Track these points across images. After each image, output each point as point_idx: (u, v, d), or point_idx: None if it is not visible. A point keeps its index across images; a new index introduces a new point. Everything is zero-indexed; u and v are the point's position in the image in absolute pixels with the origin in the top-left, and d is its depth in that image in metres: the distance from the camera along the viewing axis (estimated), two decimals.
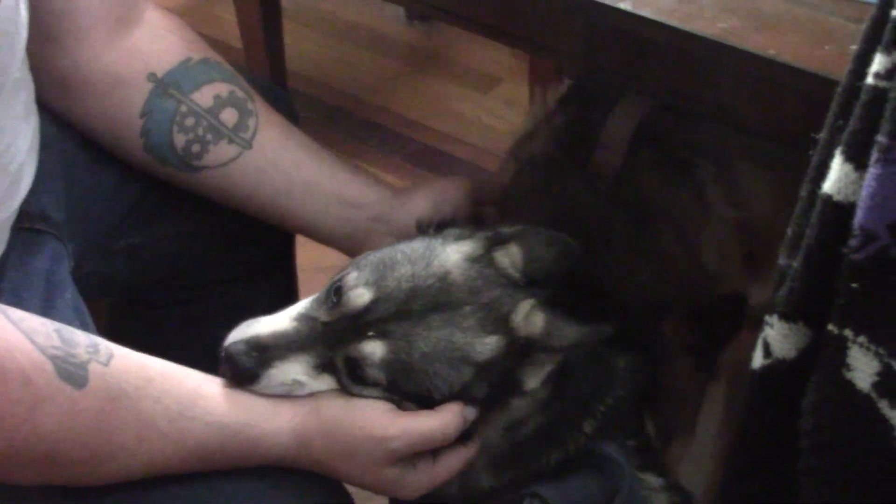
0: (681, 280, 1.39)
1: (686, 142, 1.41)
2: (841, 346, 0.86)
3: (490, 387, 1.12)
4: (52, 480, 1.00)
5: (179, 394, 1.04)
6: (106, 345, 1.02)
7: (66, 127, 1.32)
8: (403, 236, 1.24)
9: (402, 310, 1.10)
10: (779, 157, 1.42)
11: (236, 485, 1.08)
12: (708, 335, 1.36)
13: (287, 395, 1.09)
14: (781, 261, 0.94)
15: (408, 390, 1.10)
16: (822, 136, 0.92)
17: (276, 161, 1.35)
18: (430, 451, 1.12)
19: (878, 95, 0.83)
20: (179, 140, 1.31)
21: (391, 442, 1.08)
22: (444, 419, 1.10)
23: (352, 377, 1.10)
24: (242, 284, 1.53)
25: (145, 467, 1.02)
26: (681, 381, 1.37)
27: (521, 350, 1.12)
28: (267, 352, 1.09)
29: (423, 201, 1.36)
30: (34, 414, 0.94)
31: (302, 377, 1.10)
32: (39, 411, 0.94)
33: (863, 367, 0.85)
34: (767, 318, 0.95)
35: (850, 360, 0.85)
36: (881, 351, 0.84)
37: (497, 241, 1.18)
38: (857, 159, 0.85)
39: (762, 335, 0.96)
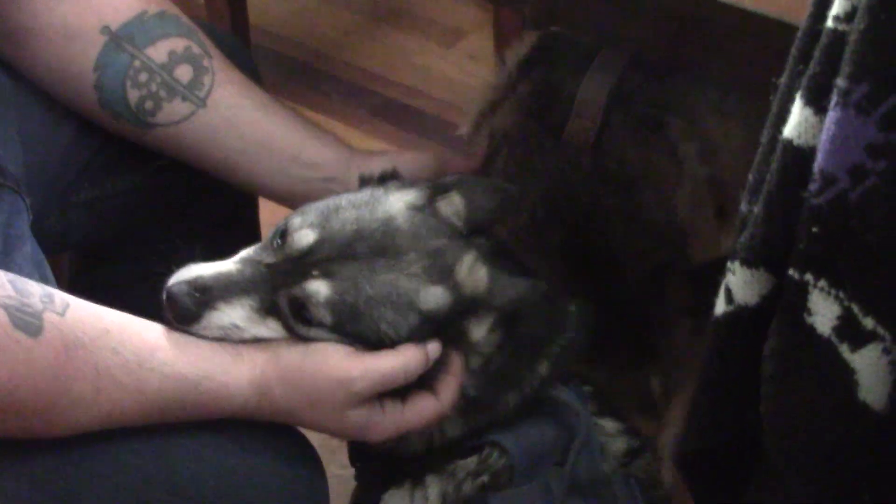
0: (666, 242, 1.39)
1: (654, 101, 1.40)
2: (802, 291, 0.86)
3: (437, 335, 1.12)
4: (7, 431, 0.99)
5: (137, 345, 1.03)
6: (61, 296, 1.01)
7: (22, 79, 1.30)
8: None
9: (346, 252, 1.11)
10: (747, 111, 1.42)
11: (200, 440, 1.07)
12: (705, 297, 1.37)
13: (226, 338, 1.09)
14: (743, 207, 0.94)
15: (354, 332, 1.10)
16: (783, 80, 0.91)
17: (231, 120, 1.34)
18: (399, 396, 1.13)
19: (838, 38, 0.82)
20: (133, 95, 1.30)
21: (353, 383, 1.08)
22: (405, 358, 1.10)
23: (297, 318, 1.10)
24: (204, 241, 1.51)
25: (104, 418, 1.01)
26: (681, 343, 1.37)
27: (466, 305, 1.13)
28: (209, 293, 1.09)
29: (381, 165, 1.34)
30: None
31: (242, 321, 1.10)
32: None
33: (823, 312, 0.85)
34: (729, 264, 0.95)
35: (810, 305, 0.85)
36: (841, 295, 0.84)
37: (439, 191, 1.19)
38: (817, 103, 0.85)
39: (724, 282, 0.97)
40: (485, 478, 1.18)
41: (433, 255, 1.13)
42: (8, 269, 1.02)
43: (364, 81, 2.81)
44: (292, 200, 1.36)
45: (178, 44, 1.31)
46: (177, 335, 1.07)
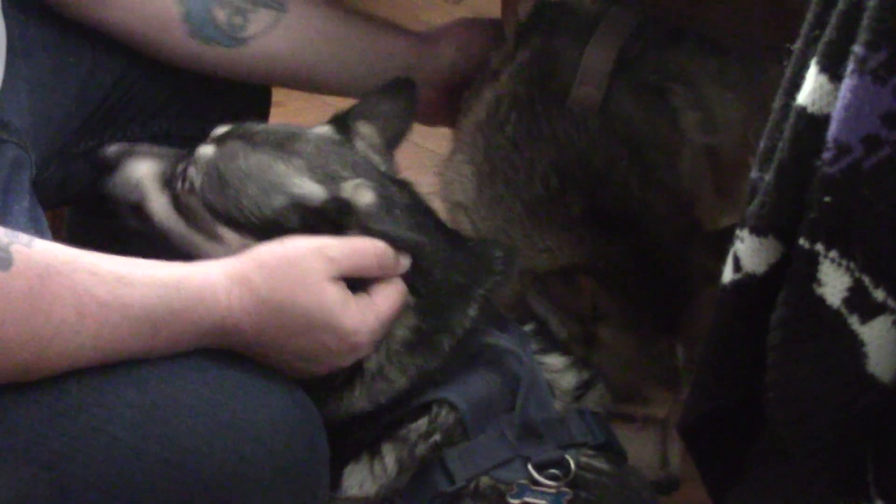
0: (683, 206, 1.39)
1: (657, 68, 1.39)
2: (812, 261, 0.85)
3: (303, 226, 1.16)
4: (7, 372, 0.98)
5: (112, 265, 1.03)
6: (27, 235, 1.00)
7: (29, 28, 1.30)
8: (435, 80, 1.43)
9: (249, 136, 1.21)
10: (749, 82, 1.40)
11: (193, 392, 1.07)
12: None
13: (131, 198, 1.23)
14: (753, 174, 0.93)
15: (217, 203, 1.18)
16: (797, 46, 0.90)
17: (310, 20, 1.42)
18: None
19: (855, 4, 0.81)
20: (220, 15, 1.37)
21: (328, 249, 1.11)
22: (373, 242, 1.14)
23: (182, 179, 1.21)
24: None
25: (96, 344, 1.00)
26: (706, 310, 1.37)
27: (342, 210, 1.16)
28: (133, 152, 1.26)
29: (449, 48, 1.46)
30: None
31: (147, 180, 1.23)
32: None
33: (833, 283, 0.84)
34: (738, 231, 0.94)
35: (820, 275, 0.84)
36: (852, 266, 0.83)
37: (346, 123, 1.27)
38: (833, 70, 0.83)
39: (732, 249, 0.96)
40: (437, 437, 1.18)
41: (325, 167, 1.19)
42: (4, 223, 1.01)
43: None
44: None
45: None
46: (152, 261, 1.08)
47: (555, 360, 1.27)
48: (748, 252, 0.93)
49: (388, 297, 1.15)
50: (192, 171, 1.20)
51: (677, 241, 1.35)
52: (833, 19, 0.83)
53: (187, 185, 1.20)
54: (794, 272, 0.87)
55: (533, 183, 1.36)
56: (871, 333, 0.84)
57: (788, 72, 0.90)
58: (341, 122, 1.27)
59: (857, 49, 0.79)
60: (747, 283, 0.94)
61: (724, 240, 1.28)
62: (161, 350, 1.05)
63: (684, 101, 1.39)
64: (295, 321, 1.10)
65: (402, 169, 1.32)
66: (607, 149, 1.35)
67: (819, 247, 0.84)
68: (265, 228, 1.16)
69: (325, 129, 1.27)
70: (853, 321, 0.84)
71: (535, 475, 1.14)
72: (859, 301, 0.83)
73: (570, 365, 1.27)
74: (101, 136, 1.41)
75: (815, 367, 0.87)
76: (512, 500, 1.13)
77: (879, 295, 0.83)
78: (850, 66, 0.80)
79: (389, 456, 1.20)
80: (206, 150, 1.20)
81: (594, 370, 1.29)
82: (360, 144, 1.26)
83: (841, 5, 0.82)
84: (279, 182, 1.17)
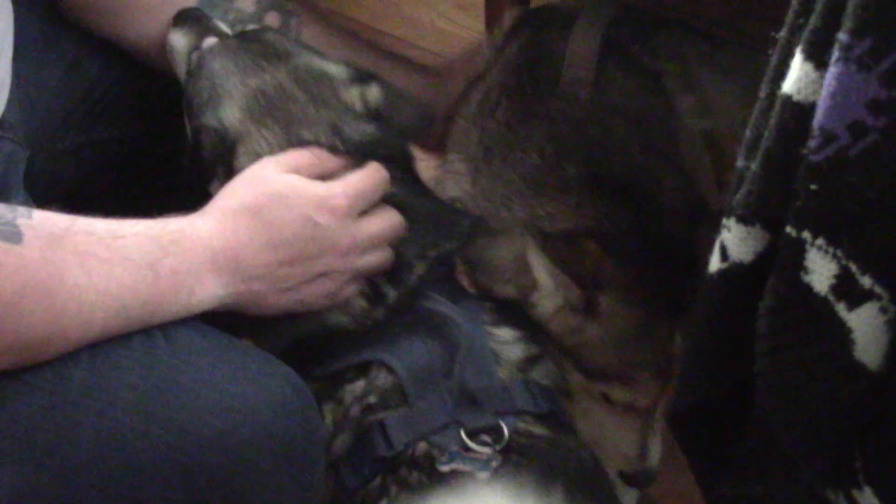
0: (686, 182, 1.38)
1: (648, 50, 1.39)
2: (799, 249, 0.85)
3: None
4: (21, 356, 1.00)
5: (103, 223, 1.06)
6: (23, 207, 1.03)
7: (15, 19, 1.29)
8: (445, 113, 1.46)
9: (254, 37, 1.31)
10: (740, 64, 1.40)
11: (194, 375, 1.07)
12: None
13: None
14: (739, 163, 0.93)
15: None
16: (783, 35, 0.90)
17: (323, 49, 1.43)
18: None
19: None
20: None
21: (279, 160, 1.19)
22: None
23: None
24: (193, 194, 1.52)
25: (105, 300, 1.03)
26: None
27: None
28: None
29: (458, 84, 1.47)
30: None
31: None
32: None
33: (821, 270, 0.84)
34: (725, 221, 0.94)
35: (807, 263, 0.84)
36: (839, 253, 0.83)
37: (361, 78, 1.29)
38: (818, 58, 0.83)
39: (719, 238, 0.96)
40: (372, 398, 1.19)
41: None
42: None
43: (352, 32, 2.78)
44: None
45: None
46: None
47: (505, 332, 1.27)
48: (735, 241, 0.93)
49: (357, 175, 1.20)
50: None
51: (685, 215, 1.33)
52: (818, 7, 0.83)
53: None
54: (781, 260, 0.87)
55: (529, 155, 1.35)
56: (859, 321, 0.84)
57: (774, 60, 0.90)
58: (363, 73, 1.30)
59: (842, 36, 0.79)
60: (734, 272, 0.94)
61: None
62: (169, 294, 1.08)
63: (678, 84, 1.38)
64: (272, 210, 1.14)
65: None
66: (603, 120, 1.34)
67: (806, 235, 0.84)
68: None
69: (341, 69, 1.30)
70: (840, 308, 0.84)
71: (467, 441, 1.14)
72: (846, 288, 0.84)
73: (520, 338, 1.27)
74: (87, 132, 1.40)
75: (803, 354, 0.87)
76: (441, 467, 1.12)
77: (866, 282, 0.83)
78: (836, 53, 0.80)
79: (328, 416, 1.21)
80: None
81: (543, 346, 1.28)
82: (351, 93, 1.29)
83: None
84: None
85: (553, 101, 1.36)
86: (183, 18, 1.34)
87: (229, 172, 1.21)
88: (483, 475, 1.10)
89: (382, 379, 1.19)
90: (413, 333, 1.22)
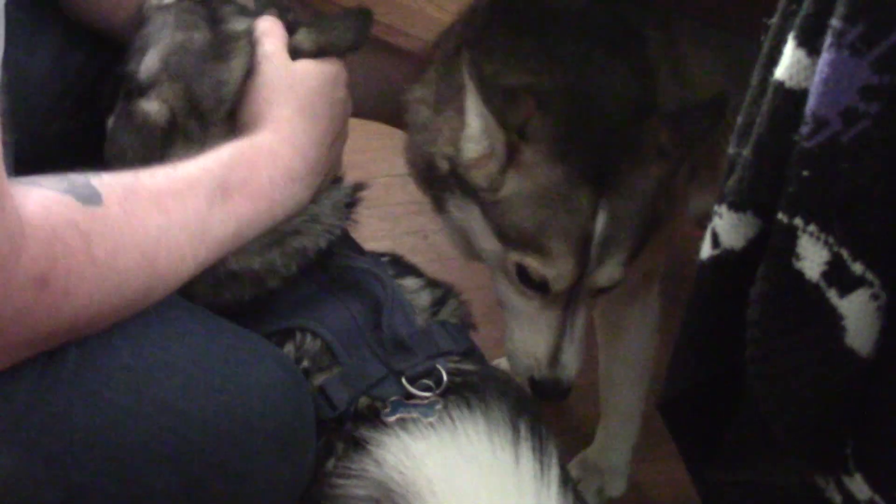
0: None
1: (637, 13, 1.38)
2: (791, 235, 0.85)
3: None
4: (126, 312, 1.02)
5: (161, 168, 1.08)
6: (80, 172, 1.02)
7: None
8: None
9: None
10: (726, 46, 1.40)
11: (189, 357, 1.07)
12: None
13: None
14: (731, 149, 0.93)
15: None
16: (774, 21, 0.90)
17: None
18: None
19: None
20: None
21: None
22: None
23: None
24: None
25: (189, 233, 1.05)
26: (646, 182, 1.33)
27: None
28: None
29: None
30: (90, 247, 0.95)
31: None
32: (93, 244, 0.95)
33: (812, 257, 0.84)
34: (716, 207, 0.94)
35: (799, 250, 0.85)
36: (831, 240, 0.83)
37: (290, 29, 1.30)
38: (810, 44, 0.83)
39: (710, 225, 0.96)
40: (305, 363, 1.18)
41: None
42: None
43: None
44: None
45: None
46: None
47: (410, 282, 1.28)
48: (726, 227, 0.93)
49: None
50: None
51: (631, 102, 1.32)
52: None
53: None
54: (773, 247, 0.87)
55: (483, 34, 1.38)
56: (850, 307, 0.84)
57: (766, 46, 0.90)
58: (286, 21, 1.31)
59: (835, 22, 0.79)
60: (725, 258, 0.94)
61: (685, 120, 1.29)
62: (246, 211, 1.11)
63: (660, 50, 1.38)
64: (314, 106, 1.22)
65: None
66: (602, 18, 1.37)
67: (798, 221, 0.84)
68: None
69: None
70: (832, 295, 0.84)
71: (410, 388, 1.15)
72: (838, 275, 0.84)
73: (425, 285, 1.28)
74: (75, 117, 1.39)
75: (795, 340, 0.87)
76: (387, 419, 1.13)
77: (858, 268, 0.83)
78: (828, 39, 0.80)
79: None
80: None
81: (445, 286, 1.29)
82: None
83: None
84: None
85: None
86: None
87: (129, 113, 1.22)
88: (430, 419, 1.11)
89: (309, 343, 1.19)
90: (329, 293, 1.23)
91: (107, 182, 1.00)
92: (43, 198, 0.94)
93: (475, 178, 1.31)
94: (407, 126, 1.44)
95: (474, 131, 1.29)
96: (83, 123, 1.40)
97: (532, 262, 1.29)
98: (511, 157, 1.27)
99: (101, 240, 0.96)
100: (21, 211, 0.91)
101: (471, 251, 1.41)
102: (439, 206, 1.40)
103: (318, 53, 1.27)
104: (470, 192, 1.33)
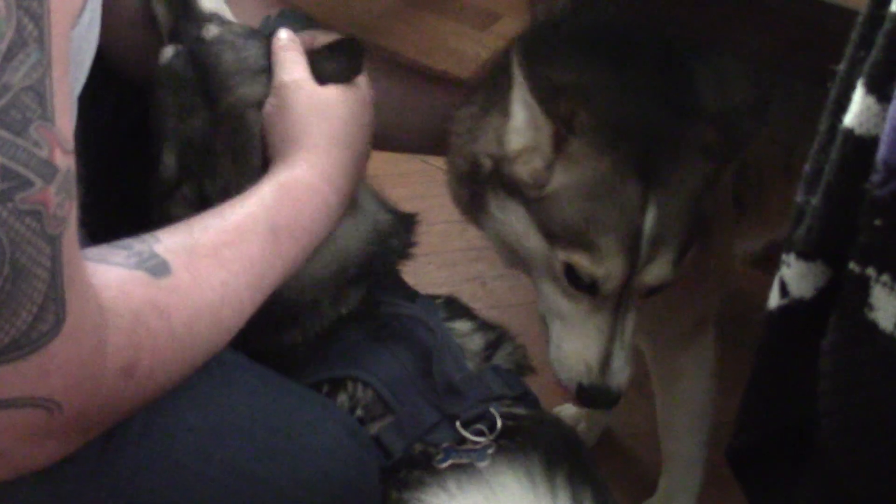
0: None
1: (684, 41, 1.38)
2: (863, 286, 0.83)
3: None
4: (194, 368, 1.01)
5: (210, 215, 1.08)
6: (142, 236, 1.03)
7: None
8: None
9: None
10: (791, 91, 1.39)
11: (252, 420, 1.08)
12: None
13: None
14: (799, 198, 0.92)
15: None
16: (842, 67, 0.88)
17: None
18: None
19: None
20: None
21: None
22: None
23: None
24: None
25: (247, 281, 1.05)
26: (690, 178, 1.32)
27: None
28: None
29: None
30: (171, 323, 0.94)
31: None
32: (172, 318, 0.95)
33: (886, 307, 0.82)
34: (784, 256, 0.93)
35: (872, 300, 0.83)
36: None
37: None
38: (880, 91, 0.82)
39: (778, 274, 0.94)
40: (359, 412, 1.18)
41: None
42: None
43: None
44: None
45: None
46: None
47: (462, 325, 1.27)
48: (795, 277, 0.91)
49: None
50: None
51: (677, 110, 1.30)
52: (880, 39, 0.82)
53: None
54: (844, 297, 0.85)
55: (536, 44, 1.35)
56: None
57: (833, 93, 0.89)
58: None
59: None
60: (795, 308, 0.93)
61: (729, 121, 1.28)
62: (294, 251, 1.11)
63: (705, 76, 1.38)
64: (347, 133, 1.22)
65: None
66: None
67: (870, 271, 0.83)
68: None
69: None
70: None
71: (464, 433, 1.14)
72: None
73: (477, 328, 1.27)
74: (83, 117, 1.41)
75: (869, 393, 0.85)
76: (439, 465, 1.12)
77: None
78: None
79: None
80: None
81: (500, 329, 1.28)
82: None
83: (888, 24, 0.81)
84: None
85: None
86: None
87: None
88: (482, 464, 1.10)
89: (361, 392, 1.19)
90: (377, 342, 1.22)
91: (169, 247, 1.00)
92: (119, 280, 0.93)
93: (519, 173, 1.29)
94: (451, 138, 1.42)
95: (519, 123, 1.27)
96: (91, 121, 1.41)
97: (580, 260, 1.25)
98: (557, 150, 1.26)
99: (178, 313, 0.96)
100: (101, 298, 0.89)
101: (514, 258, 1.38)
102: (481, 208, 1.37)
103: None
104: (514, 190, 1.30)
